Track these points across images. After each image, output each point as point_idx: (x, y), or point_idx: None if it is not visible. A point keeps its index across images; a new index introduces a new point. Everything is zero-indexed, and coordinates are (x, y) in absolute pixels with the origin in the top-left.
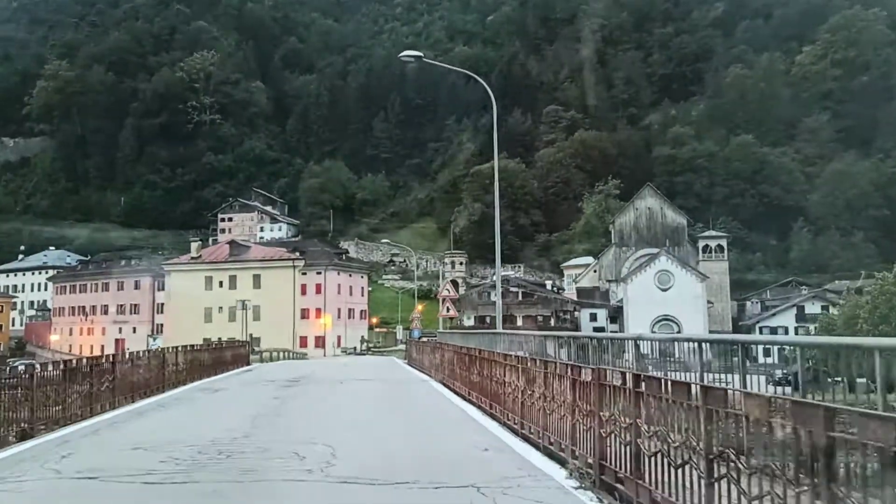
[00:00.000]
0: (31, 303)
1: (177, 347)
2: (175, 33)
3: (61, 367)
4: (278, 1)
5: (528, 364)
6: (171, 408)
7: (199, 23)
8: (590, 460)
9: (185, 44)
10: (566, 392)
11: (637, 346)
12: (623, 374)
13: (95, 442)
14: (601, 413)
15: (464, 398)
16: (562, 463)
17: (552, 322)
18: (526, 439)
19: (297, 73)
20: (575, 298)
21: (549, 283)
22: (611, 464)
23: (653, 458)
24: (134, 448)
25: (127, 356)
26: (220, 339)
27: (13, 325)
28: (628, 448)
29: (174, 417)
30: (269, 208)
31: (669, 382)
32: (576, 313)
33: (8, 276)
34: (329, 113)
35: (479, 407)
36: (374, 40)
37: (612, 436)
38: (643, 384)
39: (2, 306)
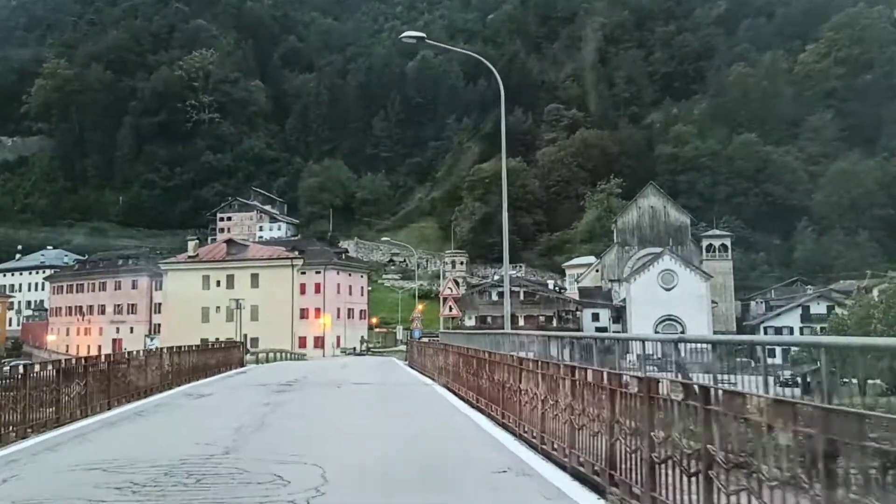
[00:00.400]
0: (28, 303)
1: (162, 348)
2: (174, 32)
3: (21, 370)
4: None
5: (551, 370)
6: (150, 416)
7: (198, 21)
8: (636, 490)
9: (184, 42)
10: (602, 404)
11: (678, 350)
12: (685, 385)
13: (49, 460)
14: (652, 433)
15: (471, 405)
16: (597, 489)
17: (554, 322)
18: (548, 457)
19: (297, 72)
20: (577, 298)
21: (550, 283)
22: (667, 497)
23: (734, 498)
24: (91, 468)
25: (104, 358)
26: (217, 339)
27: (10, 325)
28: (694, 480)
29: (149, 428)
30: (268, 207)
31: (764, 400)
32: (578, 313)
33: (5, 275)
34: (329, 112)
35: (490, 416)
36: (374, 39)
37: (669, 462)
38: (716, 399)
39: None
